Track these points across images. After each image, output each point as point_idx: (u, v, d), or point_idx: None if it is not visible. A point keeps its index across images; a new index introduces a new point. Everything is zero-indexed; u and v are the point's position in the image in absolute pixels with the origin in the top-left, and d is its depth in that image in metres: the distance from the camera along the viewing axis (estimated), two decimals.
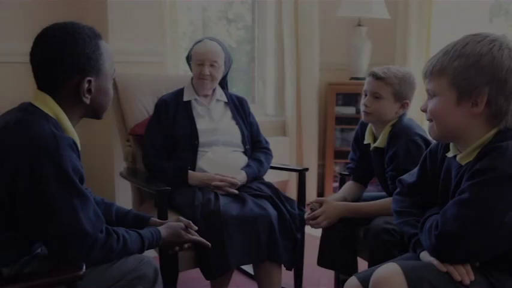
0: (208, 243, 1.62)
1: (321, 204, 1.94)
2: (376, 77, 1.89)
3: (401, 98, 1.89)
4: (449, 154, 1.34)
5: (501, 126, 1.23)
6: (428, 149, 1.48)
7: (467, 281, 1.18)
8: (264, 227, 1.93)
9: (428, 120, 1.32)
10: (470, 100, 1.21)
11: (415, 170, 1.52)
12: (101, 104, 1.39)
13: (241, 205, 2.00)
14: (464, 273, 1.19)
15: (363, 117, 1.96)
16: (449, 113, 1.25)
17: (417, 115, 3.72)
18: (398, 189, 1.55)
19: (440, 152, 1.41)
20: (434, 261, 1.23)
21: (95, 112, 1.40)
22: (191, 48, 2.35)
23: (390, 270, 1.21)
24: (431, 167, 1.44)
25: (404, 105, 1.90)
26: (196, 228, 1.62)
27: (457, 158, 1.29)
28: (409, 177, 1.53)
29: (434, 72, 1.26)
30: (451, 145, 1.34)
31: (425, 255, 1.29)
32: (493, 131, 1.23)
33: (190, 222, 1.62)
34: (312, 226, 1.95)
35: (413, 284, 1.17)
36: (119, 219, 1.59)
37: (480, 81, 1.19)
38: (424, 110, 1.33)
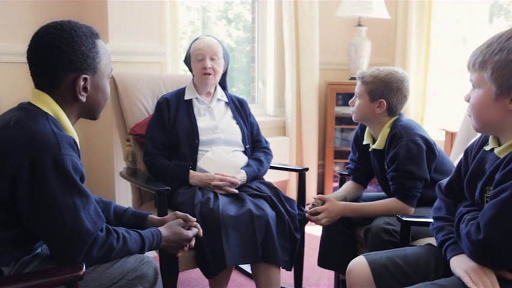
0: (201, 231, 1.62)
1: (323, 201, 1.94)
2: (358, 77, 1.96)
3: (376, 97, 1.89)
4: (487, 147, 1.32)
5: None
6: (465, 149, 1.46)
7: None
8: (261, 227, 1.93)
9: (468, 116, 1.31)
10: (509, 96, 1.19)
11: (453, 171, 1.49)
12: (98, 102, 1.38)
13: (239, 205, 2.00)
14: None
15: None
16: (486, 107, 1.23)
17: (417, 116, 3.75)
18: (438, 196, 1.51)
19: (475, 148, 1.39)
20: (464, 278, 1.20)
21: (91, 111, 1.40)
22: (189, 48, 2.35)
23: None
24: (465, 163, 1.42)
25: (380, 105, 1.90)
26: (194, 219, 1.62)
27: (495, 150, 1.27)
28: (447, 179, 1.50)
29: (476, 65, 1.24)
30: (490, 138, 1.32)
31: (457, 262, 1.26)
32: None
33: (188, 215, 1.62)
34: (312, 221, 1.95)
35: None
36: (118, 217, 1.60)
37: None
38: (467, 100, 1.31)
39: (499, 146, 1.27)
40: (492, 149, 1.29)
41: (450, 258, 1.28)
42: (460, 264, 1.24)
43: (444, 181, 1.50)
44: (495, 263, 1.20)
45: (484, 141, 1.36)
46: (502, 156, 1.24)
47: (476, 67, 1.24)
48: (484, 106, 1.24)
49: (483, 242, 1.16)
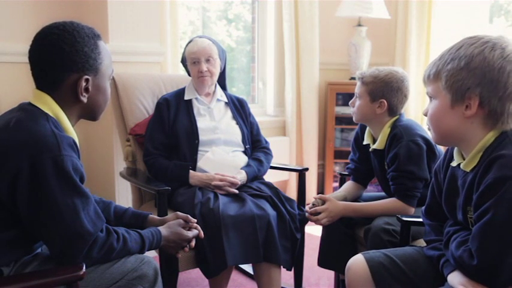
0: (202, 233, 1.62)
1: (323, 201, 1.94)
2: (358, 77, 1.96)
3: (377, 97, 1.89)
4: (454, 163, 1.33)
5: (500, 129, 1.22)
6: (433, 170, 1.46)
7: None
8: (262, 227, 1.93)
9: (428, 129, 1.33)
10: (464, 103, 1.21)
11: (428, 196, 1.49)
12: (98, 103, 1.38)
13: (240, 205, 2.00)
14: None
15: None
16: (444, 116, 1.25)
17: (417, 116, 3.75)
18: (424, 221, 1.52)
19: (443, 167, 1.40)
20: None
21: (92, 112, 1.40)
22: (184, 51, 2.35)
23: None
24: (437, 184, 1.43)
25: (381, 105, 1.90)
26: (195, 220, 1.63)
27: (461, 165, 1.28)
28: (425, 204, 1.51)
29: (431, 76, 1.27)
30: (455, 154, 1.33)
31: (454, 278, 1.25)
32: (491, 134, 1.22)
33: (188, 216, 1.62)
34: (312, 221, 1.94)
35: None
36: (118, 217, 1.60)
37: (471, 83, 1.19)
38: (425, 114, 1.33)
39: (464, 159, 1.28)
40: (459, 165, 1.30)
41: (447, 275, 1.28)
42: (458, 280, 1.24)
43: (423, 208, 1.51)
44: (495, 284, 1.17)
45: (449, 159, 1.37)
46: (468, 170, 1.25)
47: (431, 78, 1.27)
48: (441, 116, 1.26)
49: (478, 267, 1.16)
